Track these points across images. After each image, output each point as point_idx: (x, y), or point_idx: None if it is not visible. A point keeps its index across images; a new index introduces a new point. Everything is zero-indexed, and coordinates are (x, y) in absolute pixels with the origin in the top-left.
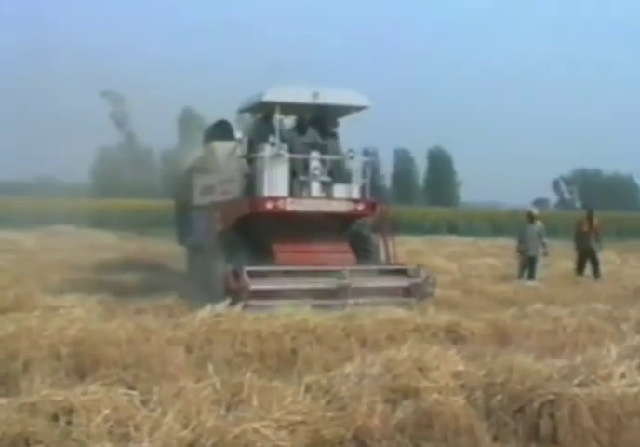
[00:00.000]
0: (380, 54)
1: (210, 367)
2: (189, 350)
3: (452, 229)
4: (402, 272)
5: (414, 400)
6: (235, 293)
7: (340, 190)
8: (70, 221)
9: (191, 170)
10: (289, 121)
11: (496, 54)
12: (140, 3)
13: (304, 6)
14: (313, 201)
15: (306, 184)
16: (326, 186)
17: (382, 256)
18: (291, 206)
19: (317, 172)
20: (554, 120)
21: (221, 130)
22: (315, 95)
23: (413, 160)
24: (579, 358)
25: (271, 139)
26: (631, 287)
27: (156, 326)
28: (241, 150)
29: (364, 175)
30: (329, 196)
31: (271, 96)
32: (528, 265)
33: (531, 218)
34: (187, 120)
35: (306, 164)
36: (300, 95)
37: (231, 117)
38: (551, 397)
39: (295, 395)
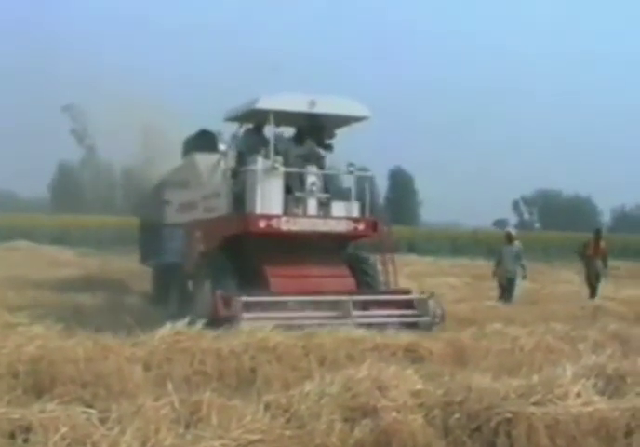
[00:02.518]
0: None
1: (169, 385)
2: (147, 368)
3: (412, 248)
4: (408, 301)
5: (373, 419)
6: (225, 322)
7: (338, 208)
8: (27, 237)
9: (161, 186)
10: (282, 131)
11: (453, 71)
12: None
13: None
14: (310, 220)
15: (302, 201)
16: (323, 204)
17: (382, 280)
18: (286, 225)
19: (314, 188)
20: (515, 141)
21: (203, 141)
22: (312, 103)
23: (372, 179)
24: (535, 378)
25: (263, 150)
26: (589, 307)
27: (115, 344)
28: (226, 163)
29: (361, 192)
30: (327, 215)
31: (264, 103)
32: (507, 287)
33: (509, 239)
34: (150, 135)
35: (302, 179)
36: (296, 103)
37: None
38: (508, 415)
39: (254, 413)
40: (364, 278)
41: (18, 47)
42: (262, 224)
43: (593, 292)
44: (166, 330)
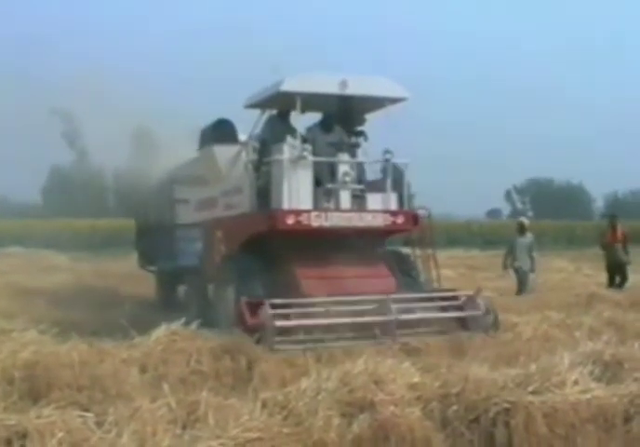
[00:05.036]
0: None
1: (165, 386)
2: (144, 370)
3: (407, 241)
4: (455, 300)
5: (370, 413)
6: (254, 331)
7: (374, 200)
8: (21, 242)
9: (170, 183)
10: (308, 117)
11: (444, 61)
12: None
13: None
14: (343, 214)
15: (334, 194)
16: (357, 196)
17: (424, 279)
18: (317, 221)
19: (348, 179)
20: (507, 130)
21: (222, 132)
22: (343, 84)
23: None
24: (533, 367)
25: (289, 139)
26: (584, 294)
27: (110, 347)
28: (247, 154)
29: (397, 181)
30: (362, 208)
31: (290, 85)
32: (520, 279)
33: (522, 229)
34: (142, 137)
35: (333, 169)
36: (326, 84)
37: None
38: (506, 405)
39: (251, 412)
40: (404, 278)
41: (6, 48)
42: (290, 221)
43: (611, 281)
44: (162, 331)
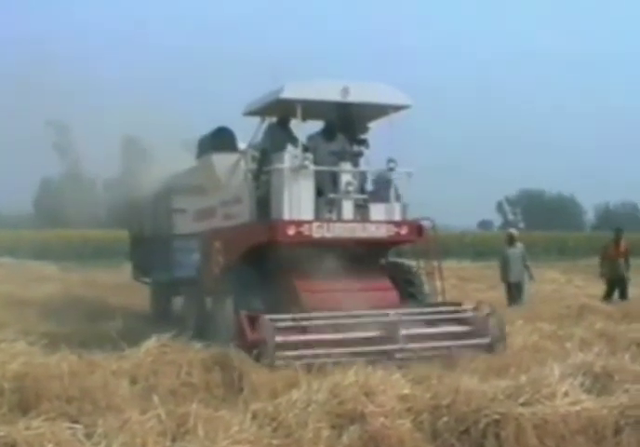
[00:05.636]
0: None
1: (155, 398)
2: (134, 382)
3: (399, 252)
4: (461, 313)
5: (360, 425)
6: (254, 346)
7: (377, 210)
8: (11, 253)
9: (167, 193)
10: (310, 126)
11: (432, 71)
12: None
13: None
14: (346, 225)
15: (336, 204)
16: (360, 206)
17: (428, 292)
18: (318, 232)
19: (350, 188)
20: (500, 141)
21: (220, 140)
22: (345, 91)
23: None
24: (523, 378)
25: (290, 147)
26: (575, 306)
27: (100, 358)
28: (247, 163)
29: (400, 191)
30: (365, 219)
31: (290, 92)
32: (515, 291)
33: (511, 240)
34: (132, 147)
35: (335, 178)
36: (327, 91)
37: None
38: (496, 417)
39: (241, 423)
40: (408, 291)
41: None
42: (291, 232)
43: (609, 294)
44: (152, 342)
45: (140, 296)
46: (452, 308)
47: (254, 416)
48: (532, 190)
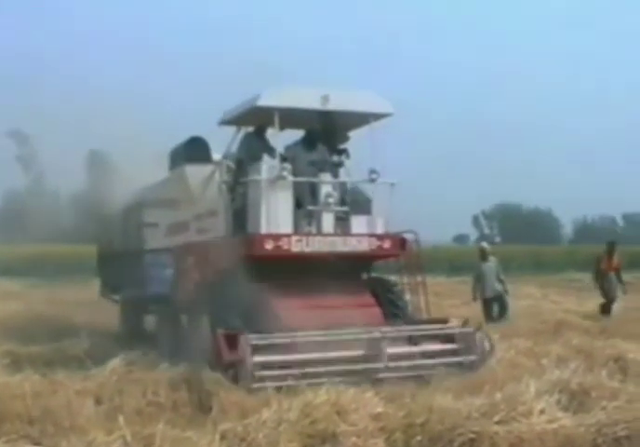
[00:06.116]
0: None
1: (121, 418)
2: (99, 402)
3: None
4: (448, 335)
5: (332, 445)
6: (230, 367)
7: (358, 223)
8: None
9: (138, 206)
10: (287, 135)
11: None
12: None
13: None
14: (326, 239)
15: (316, 217)
16: (340, 219)
17: (411, 308)
18: (297, 246)
19: (330, 200)
20: (472, 156)
21: (194, 151)
22: (325, 99)
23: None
24: (498, 396)
25: (266, 158)
26: (551, 321)
27: (64, 378)
28: (221, 174)
29: (382, 203)
30: (346, 232)
31: (268, 100)
32: (496, 305)
33: (484, 255)
34: (97, 160)
35: (315, 189)
36: (306, 99)
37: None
38: (471, 435)
39: (210, 444)
40: (390, 308)
41: None
42: (269, 246)
43: (607, 308)
44: (118, 361)
45: (107, 314)
46: (438, 326)
47: (223, 437)
48: (509, 204)
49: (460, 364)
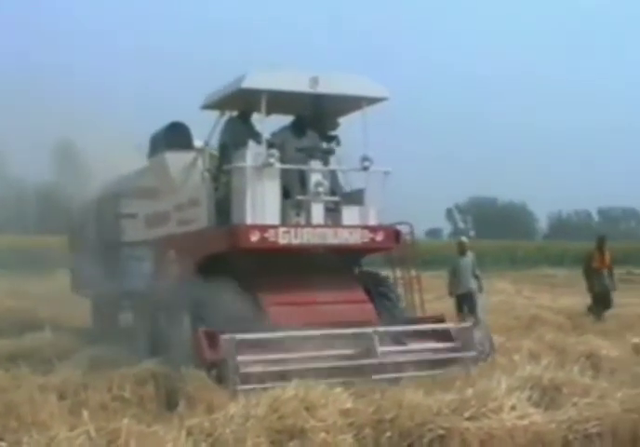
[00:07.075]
0: None
1: (85, 413)
2: (62, 397)
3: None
4: (448, 338)
5: (301, 441)
6: (212, 367)
7: (350, 214)
8: None
9: (114, 196)
10: (274, 120)
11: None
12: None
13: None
14: (315, 230)
15: (305, 207)
16: (331, 209)
17: (404, 304)
18: (285, 238)
19: (320, 190)
20: (449, 148)
21: (175, 137)
22: (314, 81)
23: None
24: (469, 391)
25: (252, 143)
26: (524, 317)
27: (28, 372)
28: (204, 162)
29: (376, 193)
30: (337, 223)
31: (253, 82)
32: (467, 302)
33: (462, 249)
34: (64, 151)
35: (304, 178)
36: (294, 81)
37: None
38: (441, 431)
39: (175, 439)
40: (383, 303)
41: None
42: (254, 238)
43: (601, 307)
44: (83, 356)
45: (73, 308)
46: (437, 325)
47: (189, 432)
48: (483, 197)
49: (461, 361)
